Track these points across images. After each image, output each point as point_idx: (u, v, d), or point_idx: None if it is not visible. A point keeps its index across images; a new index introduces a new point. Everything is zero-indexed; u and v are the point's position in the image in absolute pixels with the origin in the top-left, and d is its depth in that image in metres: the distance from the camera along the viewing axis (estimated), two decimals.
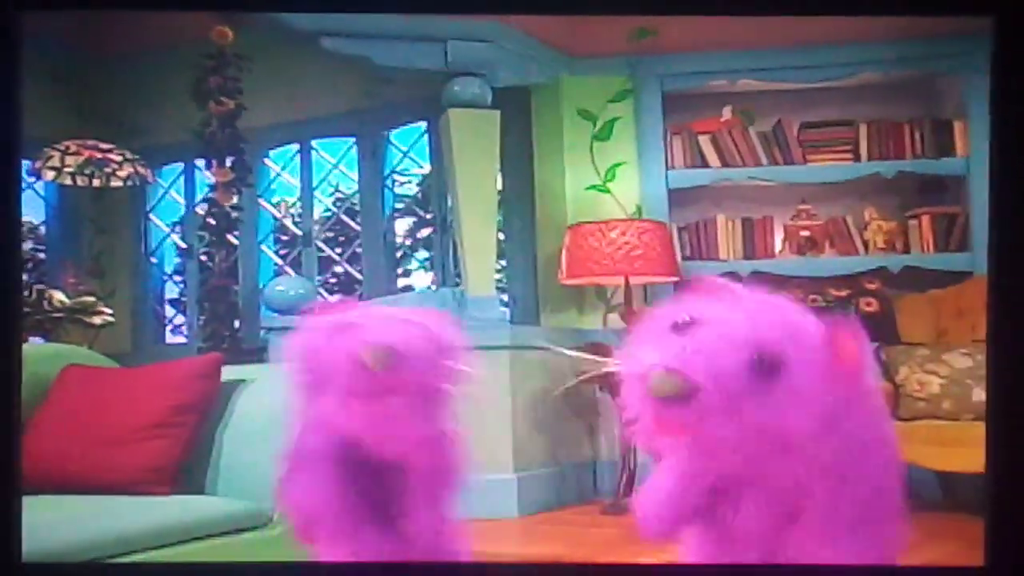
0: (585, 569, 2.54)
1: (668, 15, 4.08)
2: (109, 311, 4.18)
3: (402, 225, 6.04)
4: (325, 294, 5.64)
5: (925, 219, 4.50)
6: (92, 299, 4.18)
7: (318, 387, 1.68)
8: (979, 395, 3.77)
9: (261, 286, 5.12)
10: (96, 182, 4.26)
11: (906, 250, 4.52)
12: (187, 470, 2.21)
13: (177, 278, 5.78)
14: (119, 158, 4.37)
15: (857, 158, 4.59)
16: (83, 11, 4.14)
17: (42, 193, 5.32)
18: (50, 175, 4.27)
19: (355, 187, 5.41)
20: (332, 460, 1.70)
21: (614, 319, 4.52)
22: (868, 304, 4.42)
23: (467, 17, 4.14)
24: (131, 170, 4.37)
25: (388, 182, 5.31)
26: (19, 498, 1.61)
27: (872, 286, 4.48)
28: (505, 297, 4.88)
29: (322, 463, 1.71)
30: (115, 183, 4.37)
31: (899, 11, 2.87)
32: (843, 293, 4.43)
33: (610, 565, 2.81)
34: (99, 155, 4.26)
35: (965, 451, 3.58)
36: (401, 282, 5.70)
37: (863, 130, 4.58)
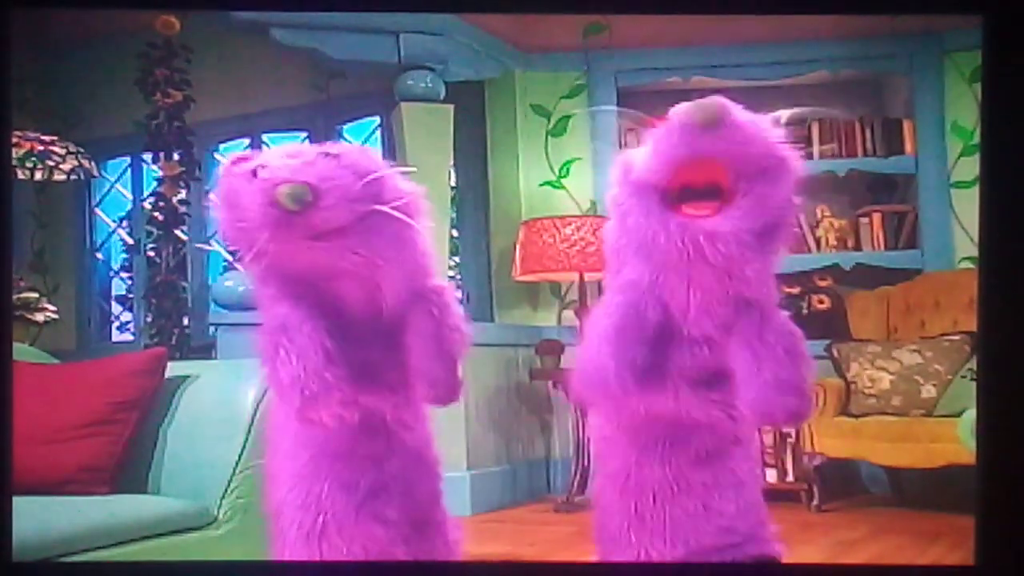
0: (537, 567, 2.53)
1: (630, 13, 4.09)
2: (52, 308, 4.08)
3: None
4: None
5: (876, 217, 4.55)
6: (35, 295, 4.07)
7: (254, 238, 1.52)
8: (928, 391, 3.82)
9: (210, 282, 5.04)
10: (38, 175, 4.15)
11: (857, 247, 4.57)
12: (128, 468, 2.15)
13: (124, 274, 5.67)
14: (62, 150, 4.25)
15: (809, 156, 4.62)
16: (61, 9, 4.06)
17: None
18: None
19: None
20: (313, 324, 1.56)
21: (568, 316, 4.51)
22: (820, 301, 4.46)
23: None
24: (75, 163, 4.26)
25: None
26: (9, 499, 1.56)
27: (824, 283, 4.53)
28: (459, 294, 4.85)
29: (304, 328, 1.56)
30: (58, 176, 4.26)
31: (888, 10, 2.90)
32: (795, 290, 4.46)
33: (563, 563, 2.80)
34: (41, 147, 4.14)
35: (914, 447, 3.63)
36: None
37: (815, 128, 4.62)
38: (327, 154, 1.56)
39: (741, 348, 1.63)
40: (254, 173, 1.53)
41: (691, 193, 1.59)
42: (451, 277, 4.56)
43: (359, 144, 1.72)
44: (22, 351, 2.53)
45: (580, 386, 1.71)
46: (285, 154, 1.58)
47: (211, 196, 1.61)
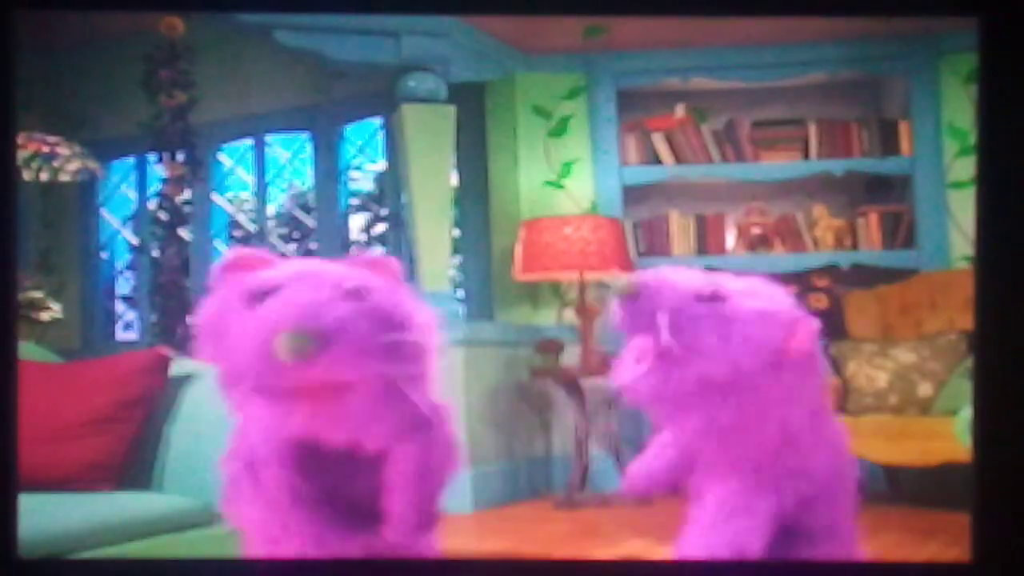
0: (539, 565, 2.55)
1: (630, 16, 4.11)
2: (57, 307, 4.11)
3: (357, 221, 6.00)
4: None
5: (873, 217, 4.58)
6: (39, 295, 4.10)
7: (237, 380, 1.33)
8: (924, 390, 3.85)
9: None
10: (43, 176, 4.19)
11: (855, 247, 4.60)
12: (133, 466, 2.18)
13: (128, 274, 5.70)
14: (67, 152, 4.29)
15: (807, 156, 4.65)
16: (66, 11, 4.08)
17: None
18: None
19: (310, 182, 5.38)
20: (281, 463, 1.41)
21: (569, 315, 4.54)
22: (818, 300, 4.49)
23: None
24: (80, 164, 4.30)
25: (343, 178, 5.28)
26: (15, 496, 1.58)
27: (822, 283, 4.55)
28: (460, 293, 4.88)
29: (271, 468, 1.41)
30: (63, 177, 4.29)
31: (884, 12, 2.91)
32: (793, 290, 4.48)
33: (564, 561, 2.83)
34: (46, 148, 4.18)
35: (911, 444, 3.65)
36: None
37: (812, 129, 4.64)
38: (353, 291, 1.33)
39: None
40: (256, 298, 1.30)
41: None
42: (451, 277, 4.59)
43: (391, 281, 1.43)
44: (28, 350, 2.56)
45: None
46: (303, 279, 1.32)
47: (200, 311, 1.38)
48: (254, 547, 1.47)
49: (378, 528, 1.47)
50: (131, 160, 5.50)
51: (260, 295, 1.30)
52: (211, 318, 1.36)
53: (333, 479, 1.45)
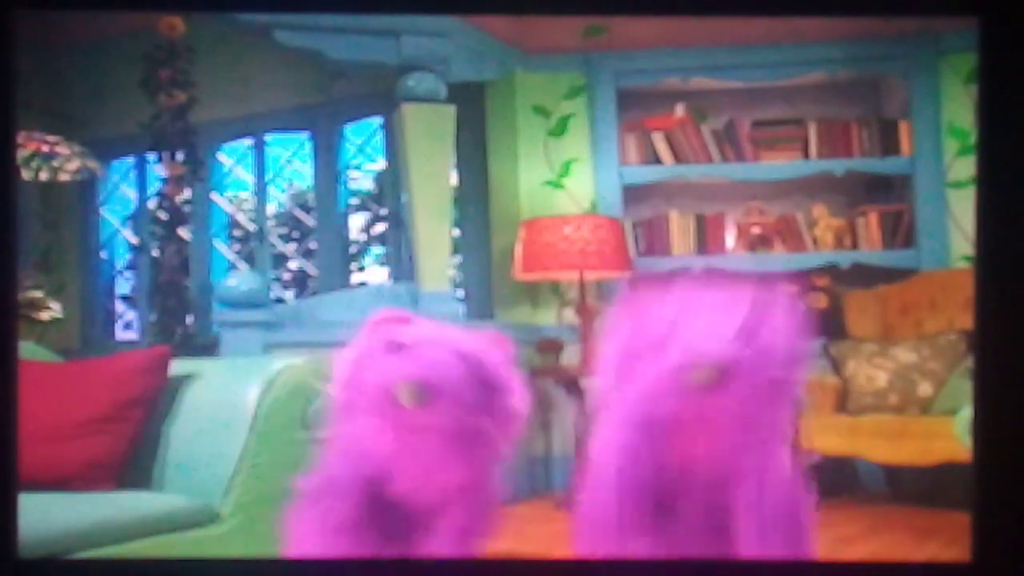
0: (538, 565, 2.55)
1: (630, 15, 4.11)
2: (57, 307, 4.10)
3: (357, 220, 6.00)
4: (281, 289, 5.60)
5: (872, 216, 4.58)
6: (39, 294, 4.10)
7: (352, 410, 1.61)
8: (924, 390, 3.85)
9: (213, 281, 5.07)
10: (43, 175, 4.18)
11: (854, 247, 4.59)
12: (133, 466, 2.18)
13: (128, 273, 5.70)
14: (67, 151, 4.29)
15: (807, 156, 4.65)
16: (66, 10, 4.07)
17: None
18: None
19: (309, 182, 5.38)
20: (357, 492, 1.63)
21: (568, 314, 4.54)
22: (818, 300, 4.49)
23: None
24: (80, 164, 4.30)
25: (343, 177, 5.28)
26: (14, 496, 1.58)
27: (822, 282, 4.55)
28: (460, 293, 4.88)
29: (346, 493, 1.63)
30: (63, 177, 4.29)
31: (884, 12, 2.91)
32: (793, 289, 4.48)
33: (564, 560, 2.83)
34: (46, 148, 4.18)
35: (910, 444, 3.65)
36: (355, 278, 5.67)
37: (812, 128, 4.64)
38: (466, 355, 1.58)
39: None
40: (398, 347, 1.57)
41: None
42: (451, 277, 4.59)
43: (500, 353, 1.70)
44: (28, 350, 2.56)
45: None
46: (421, 339, 1.59)
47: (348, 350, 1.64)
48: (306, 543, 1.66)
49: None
50: (131, 160, 5.50)
51: (396, 347, 1.59)
52: (357, 356, 1.64)
53: (390, 519, 1.66)
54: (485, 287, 4.78)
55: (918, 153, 4.49)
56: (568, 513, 3.82)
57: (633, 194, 4.69)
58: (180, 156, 4.52)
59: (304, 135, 5.29)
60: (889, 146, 4.57)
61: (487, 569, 2.17)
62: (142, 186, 5.49)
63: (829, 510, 3.88)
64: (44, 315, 4.01)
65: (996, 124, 1.63)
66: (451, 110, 4.33)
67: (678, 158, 4.67)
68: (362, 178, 5.96)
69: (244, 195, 5.69)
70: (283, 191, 5.76)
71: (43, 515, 1.85)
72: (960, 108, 4.40)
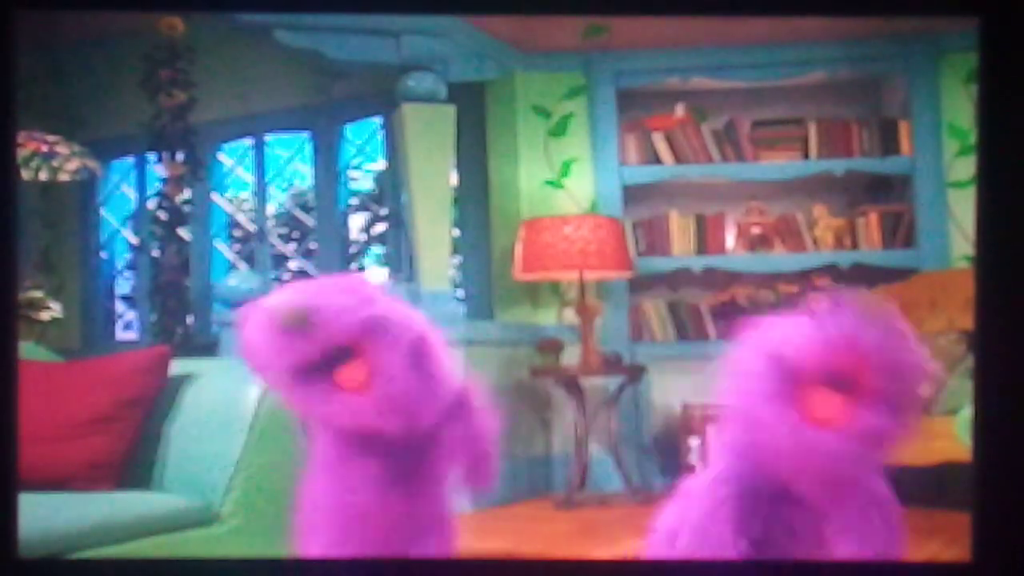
0: (538, 565, 2.55)
1: (630, 15, 4.11)
2: (57, 307, 4.11)
3: (357, 221, 6.01)
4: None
5: (873, 216, 4.57)
6: (39, 294, 4.10)
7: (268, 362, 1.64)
8: (924, 390, 3.84)
9: (213, 281, 5.07)
10: (42, 175, 4.18)
11: (855, 247, 4.59)
12: (133, 465, 2.19)
13: (128, 273, 5.70)
14: (67, 151, 4.29)
15: (807, 156, 4.65)
16: (66, 10, 4.08)
17: None
18: None
19: (309, 182, 5.38)
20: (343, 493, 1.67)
21: (568, 314, 4.54)
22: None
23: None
24: (79, 163, 4.30)
25: (342, 177, 5.28)
26: (15, 495, 1.59)
27: (822, 283, 4.55)
28: (460, 293, 4.88)
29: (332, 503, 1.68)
30: (63, 177, 4.29)
31: (884, 12, 2.91)
32: (793, 289, 4.49)
33: (563, 560, 2.83)
34: (45, 148, 4.18)
35: (910, 444, 3.64)
36: None
37: (812, 129, 4.64)
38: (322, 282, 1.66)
39: None
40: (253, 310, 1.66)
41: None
42: (451, 277, 4.59)
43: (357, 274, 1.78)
44: (28, 350, 2.57)
45: None
46: (283, 289, 1.69)
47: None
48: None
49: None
50: (131, 160, 5.50)
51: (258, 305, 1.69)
52: (243, 337, 1.70)
53: (382, 458, 1.70)
54: (485, 287, 4.78)
55: (918, 153, 4.49)
56: (568, 513, 3.83)
57: (633, 194, 4.69)
58: (180, 156, 4.53)
59: (304, 135, 5.29)
60: (889, 146, 4.57)
61: (487, 569, 2.17)
62: (142, 186, 5.49)
63: None
64: (44, 315, 4.02)
65: (996, 124, 1.63)
66: (451, 110, 4.34)
67: (678, 158, 4.67)
68: (362, 178, 5.97)
69: (244, 195, 5.70)
70: (283, 191, 5.76)
71: (43, 515, 1.85)
72: (960, 108, 4.40)
